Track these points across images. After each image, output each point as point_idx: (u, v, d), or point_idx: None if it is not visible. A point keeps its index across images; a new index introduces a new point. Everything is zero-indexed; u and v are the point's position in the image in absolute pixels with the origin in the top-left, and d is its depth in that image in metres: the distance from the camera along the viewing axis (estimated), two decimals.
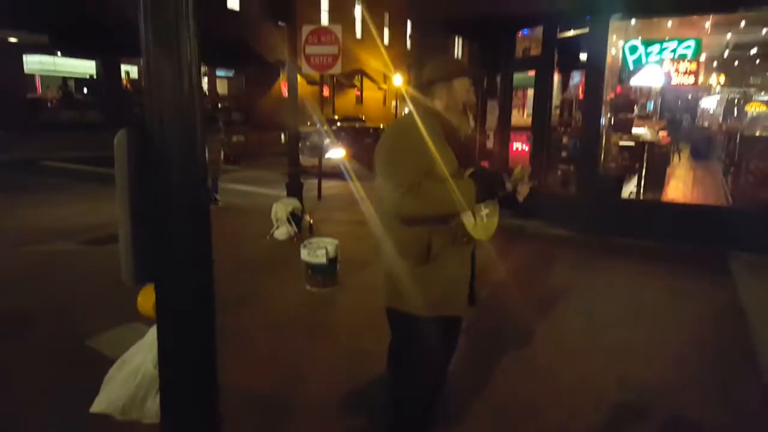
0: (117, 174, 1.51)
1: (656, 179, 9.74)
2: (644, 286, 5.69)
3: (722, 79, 16.68)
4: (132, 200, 1.52)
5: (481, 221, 2.29)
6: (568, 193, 8.39)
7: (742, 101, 17.15)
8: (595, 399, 3.46)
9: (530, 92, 9.42)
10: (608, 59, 7.88)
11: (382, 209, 2.36)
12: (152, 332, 2.81)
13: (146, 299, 2.72)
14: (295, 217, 7.35)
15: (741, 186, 8.19)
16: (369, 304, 4.36)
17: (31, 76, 19.09)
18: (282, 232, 7.26)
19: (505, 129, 9.62)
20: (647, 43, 8.76)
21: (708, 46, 11.21)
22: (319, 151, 11.30)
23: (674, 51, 8.78)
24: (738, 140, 9.66)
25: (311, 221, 7.69)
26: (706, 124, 16.54)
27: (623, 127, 9.98)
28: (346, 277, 5.56)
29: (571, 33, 8.16)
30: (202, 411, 1.72)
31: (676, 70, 10.18)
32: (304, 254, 5.29)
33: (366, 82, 33.17)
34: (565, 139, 9.11)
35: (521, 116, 10.24)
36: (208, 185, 8.34)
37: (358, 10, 31.88)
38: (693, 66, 10.07)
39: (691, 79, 10.24)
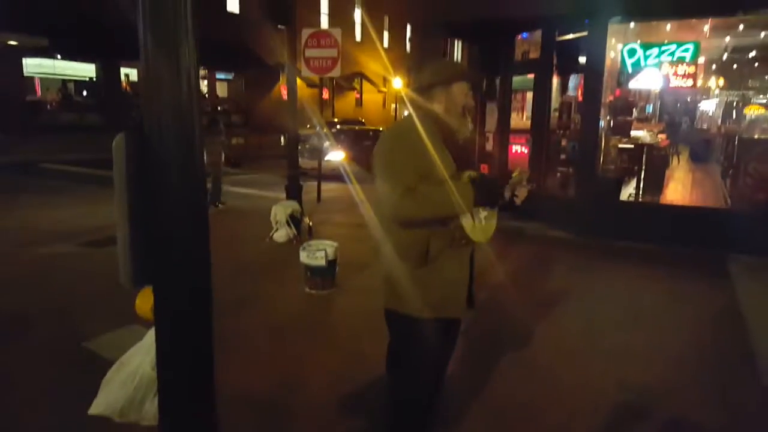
0: (115, 177, 1.52)
1: (655, 182, 9.75)
2: (643, 289, 5.70)
3: (721, 82, 16.69)
4: (130, 203, 1.53)
5: (479, 224, 2.30)
6: (567, 195, 8.40)
7: (740, 104, 17.14)
8: (594, 401, 3.47)
9: (529, 95, 9.42)
10: (607, 62, 7.89)
11: (381, 212, 2.36)
12: (150, 334, 2.81)
13: (144, 301, 2.72)
14: (294, 220, 7.36)
15: (739, 188, 8.19)
16: (368, 306, 4.36)
17: (31, 79, 19.08)
18: (281, 234, 7.26)
19: (505, 131, 9.63)
20: (646, 47, 8.76)
21: (707, 49, 11.22)
22: (319, 153, 11.32)
23: (672, 54, 8.78)
24: (736, 143, 9.66)
25: (310, 224, 7.69)
26: (705, 126, 16.55)
27: (622, 129, 9.98)
28: (345, 280, 5.56)
29: (570, 36, 8.18)
30: (199, 413, 1.73)
31: (675, 73, 10.18)
32: (303, 256, 5.30)
33: (365, 84, 33.23)
34: (564, 142, 9.12)
35: (520, 119, 10.23)
36: (208, 188, 8.38)
37: (357, 14, 31.93)
38: (691, 69, 10.07)
39: (689, 82, 10.23)
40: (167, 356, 1.70)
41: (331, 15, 29.45)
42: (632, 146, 9.85)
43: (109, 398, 2.83)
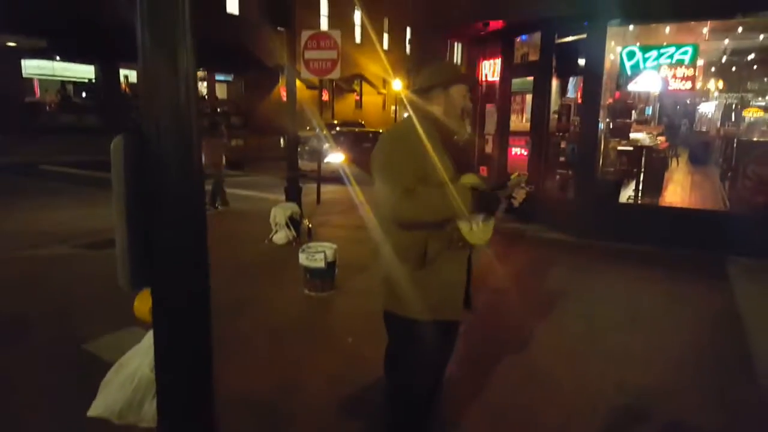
0: (113, 179, 1.52)
1: (654, 184, 9.76)
2: (642, 291, 5.70)
3: (720, 84, 16.72)
4: (128, 205, 1.53)
5: (477, 226, 2.30)
6: (567, 197, 8.41)
7: (739, 106, 17.18)
8: (593, 403, 3.47)
9: (529, 97, 9.44)
10: (606, 65, 7.91)
11: (380, 213, 2.37)
12: (149, 336, 2.80)
13: (143, 304, 2.72)
14: (293, 222, 7.36)
15: (738, 191, 8.20)
16: (367, 308, 4.36)
17: (30, 80, 19.09)
18: (281, 236, 7.26)
19: (504, 134, 9.64)
20: (645, 49, 8.78)
21: (706, 51, 11.24)
22: (319, 155, 11.32)
23: (671, 57, 8.80)
24: (735, 145, 9.67)
25: (310, 225, 7.69)
26: (704, 128, 16.56)
27: (621, 132, 10.00)
28: (345, 282, 5.56)
29: (570, 39, 8.19)
30: (198, 415, 1.72)
31: (674, 76, 10.22)
32: (303, 258, 5.30)
33: (365, 86, 33.26)
34: (563, 144, 9.13)
35: (520, 121, 10.24)
36: (207, 189, 8.39)
37: (357, 15, 31.96)
38: (690, 72, 10.11)
39: (688, 85, 10.27)
40: (165, 358, 1.70)
41: (330, 17, 29.49)
42: (631, 148, 9.87)
43: (108, 400, 2.83)
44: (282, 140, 16.36)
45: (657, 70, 9.62)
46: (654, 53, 8.76)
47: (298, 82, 9.57)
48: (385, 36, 35.40)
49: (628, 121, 10.38)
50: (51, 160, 14.99)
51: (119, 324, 4.14)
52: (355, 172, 11.71)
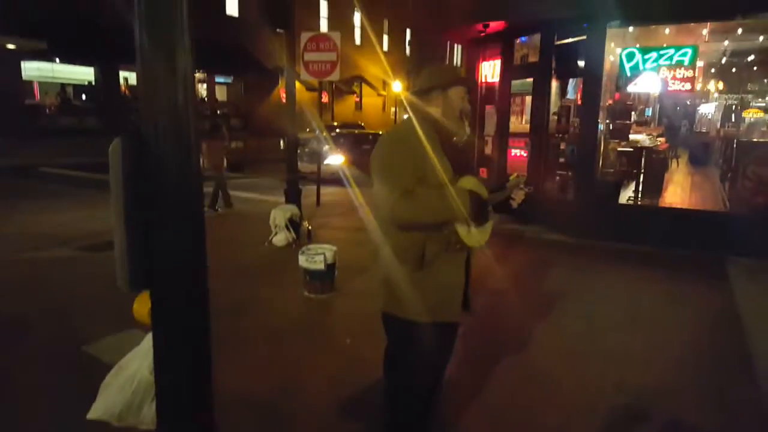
0: (112, 182, 1.52)
1: (654, 185, 9.77)
2: (642, 291, 5.70)
3: (720, 85, 16.74)
4: (127, 208, 1.53)
5: (474, 229, 2.30)
6: (567, 198, 8.41)
7: (739, 107, 17.19)
8: (593, 403, 3.47)
9: (528, 99, 9.45)
10: (606, 66, 7.91)
11: (379, 214, 2.37)
12: (148, 339, 2.80)
13: (142, 306, 2.72)
14: (293, 224, 7.35)
15: (738, 191, 8.20)
16: (366, 309, 4.34)
17: (29, 83, 19.09)
18: (280, 238, 7.26)
19: (504, 135, 9.65)
20: (644, 50, 8.79)
21: (706, 53, 11.26)
22: (318, 157, 11.33)
23: (671, 58, 8.81)
24: (735, 146, 9.68)
25: (309, 227, 7.69)
26: (704, 129, 16.56)
27: (621, 133, 10.01)
28: (344, 283, 5.56)
29: (569, 40, 8.20)
30: (197, 417, 1.72)
31: (673, 77, 10.23)
32: (302, 260, 5.30)
33: (365, 88, 33.25)
34: (563, 146, 9.13)
35: (520, 122, 10.25)
36: (208, 191, 8.39)
37: (357, 17, 31.98)
38: (690, 73, 10.12)
39: (687, 86, 10.29)
40: (165, 360, 1.70)
41: (330, 18, 29.50)
42: (631, 149, 9.87)
43: (107, 402, 2.83)
44: (282, 142, 16.36)
45: (656, 71, 9.63)
46: (653, 55, 8.78)
47: (297, 84, 9.59)
48: (385, 37, 35.41)
49: (627, 122, 10.39)
50: (51, 162, 15.00)
51: (120, 326, 4.14)
52: (355, 173, 11.72)
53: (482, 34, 9.35)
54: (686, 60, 8.88)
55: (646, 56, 8.72)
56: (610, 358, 4.13)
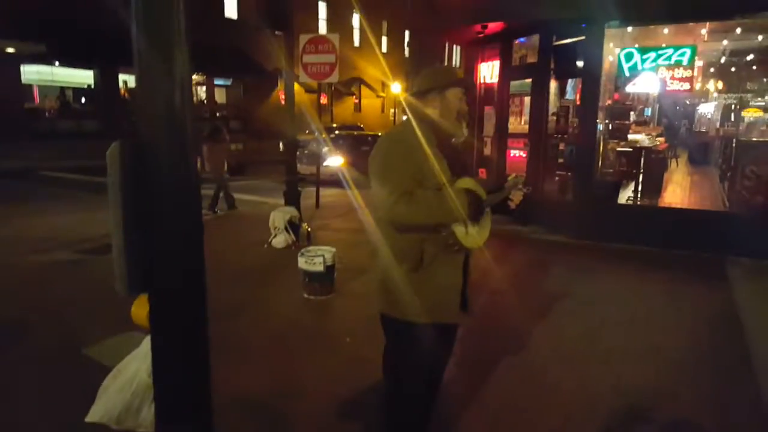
0: (110, 185, 1.52)
1: (653, 185, 9.77)
2: (642, 291, 5.70)
3: (719, 85, 16.74)
4: (125, 210, 1.53)
5: (472, 230, 2.30)
6: (566, 199, 8.41)
7: (738, 107, 17.19)
8: (592, 404, 3.46)
9: (527, 99, 9.46)
10: (605, 66, 7.91)
11: (378, 216, 2.37)
12: (147, 341, 2.80)
13: (140, 309, 2.72)
14: (292, 226, 7.35)
15: (738, 191, 8.20)
16: (366, 311, 4.35)
17: (29, 86, 19.11)
18: (280, 240, 7.26)
19: (503, 136, 9.65)
20: (643, 50, 8.79)
21: (705, 52, 11.27)
22: (317, 159, 11.34)
23: (669, 58, 8.81)
24: (734, 146, 9.68)
25: (309, 229, 7.68)
26: (703, 129, 16.57)
27: (619, 133, 10.02)
28: (344, 285, 5.56)
29: (568, 41, 8.20)
30: (196, 419, 1.72)
31: (672, 77, 10.23)
32: (302, 262, 5.29)
33: (364, 89, 33.26)
34: (562, 146, 9.13)
35: (518, 123, 10.25)
36: (208, 194, 8.38)
37: (356, 19, 31.99)
38: (688, 72, 10.13)
39: (686, 86, 10.29)
40: (163, 363, 1.70)
41: (329, 20, 29.51)
42: (630, 149, 9.87)
43: (107, 405, 2.83)
44: (281, 144, 16.36)
45: (655, 71, 9.64)
46: (652, 54, 8.78)
47: (296, 86, 9.59)
48: (384, 39, 35.42)
49: (626, 122, 10.40)
50: (50, 165, 15.01)
51: (119, 328, 4.14)
52: (354, 175, 11.74)
53: (481, 35, 9.34)
54: (685, 60, 8.88)
55: (645, 56, 8.72)
56: (609, 358, 4.13)
